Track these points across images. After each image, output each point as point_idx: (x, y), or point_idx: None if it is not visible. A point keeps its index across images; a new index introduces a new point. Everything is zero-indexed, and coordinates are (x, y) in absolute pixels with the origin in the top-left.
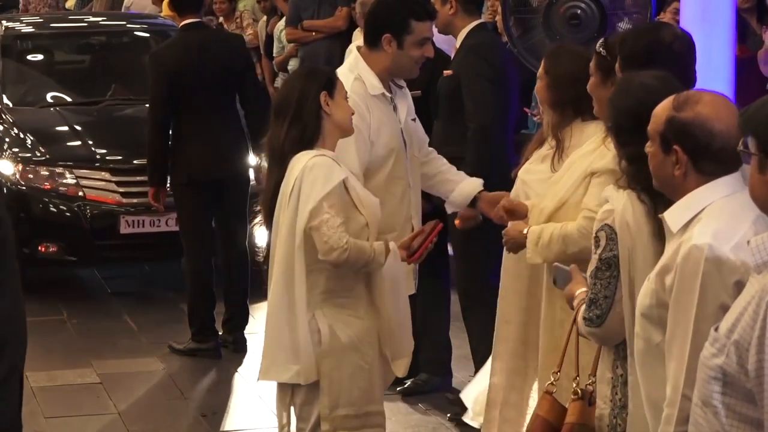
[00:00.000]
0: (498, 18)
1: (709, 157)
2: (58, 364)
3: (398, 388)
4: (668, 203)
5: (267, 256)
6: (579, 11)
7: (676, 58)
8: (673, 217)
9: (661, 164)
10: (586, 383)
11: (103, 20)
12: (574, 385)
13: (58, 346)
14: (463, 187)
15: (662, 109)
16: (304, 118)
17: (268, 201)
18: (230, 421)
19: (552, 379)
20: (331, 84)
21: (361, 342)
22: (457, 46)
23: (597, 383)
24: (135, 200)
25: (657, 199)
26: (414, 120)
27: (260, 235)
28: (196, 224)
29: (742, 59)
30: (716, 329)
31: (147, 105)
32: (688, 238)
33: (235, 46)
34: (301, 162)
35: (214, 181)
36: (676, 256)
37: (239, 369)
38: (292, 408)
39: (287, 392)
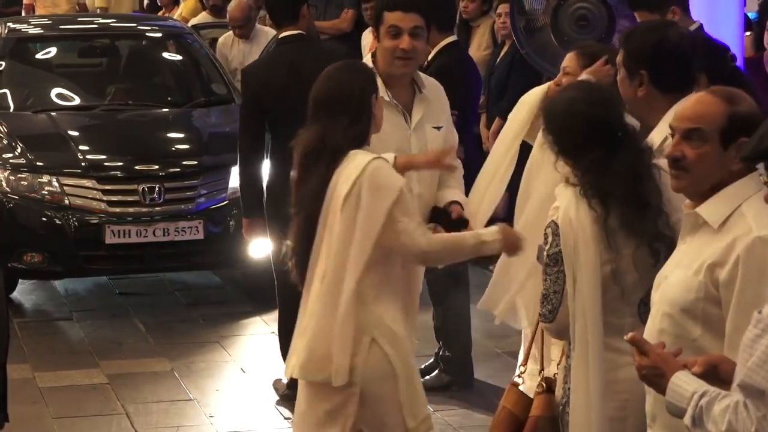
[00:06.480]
0: (500, 22)
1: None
2: (65, 365)
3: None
4: (620, 209)
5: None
6: (587, 12)
7: (681, 57)
8: (709, 212)
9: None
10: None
11: (112, 22)
12: (539, 378)
13: (66, 347)
14: (443, 194)
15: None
16: (364, 118)
17: (313, 199)
18: (238, 421)
19: (519, 371)
20: (376, 84)
21: (406, 345)
22: None
23: (559, 371)
24: (120, 209)
25: (608, 202)
26: (438, 128)
27: None
28: None
29: (749, 59)
30: (760, 312)
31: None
32: (746, 230)
33: None
34: (358, 162)
35: None
36: (730, 249)
37: (247, 370)
38: (321, 412)
39: (319, 395)
